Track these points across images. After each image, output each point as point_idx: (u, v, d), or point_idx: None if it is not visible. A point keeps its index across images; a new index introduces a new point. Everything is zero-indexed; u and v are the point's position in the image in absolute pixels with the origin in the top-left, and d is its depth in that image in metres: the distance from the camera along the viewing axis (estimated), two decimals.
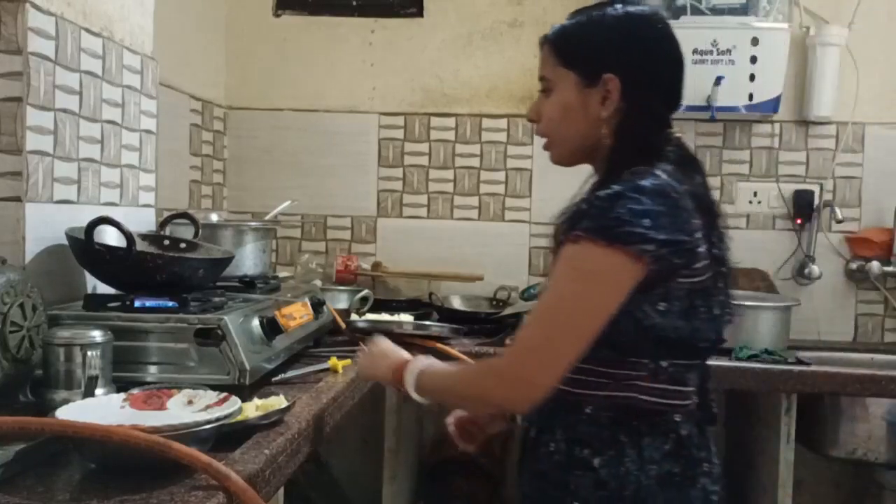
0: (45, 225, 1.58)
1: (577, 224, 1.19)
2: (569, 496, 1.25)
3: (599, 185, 1.29)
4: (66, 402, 1.20)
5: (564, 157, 1.39)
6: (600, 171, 1.35)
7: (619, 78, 1.28)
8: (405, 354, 1.42)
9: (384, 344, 1.49)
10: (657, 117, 1.32)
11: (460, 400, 1.38)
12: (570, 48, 1.34)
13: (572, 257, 1.19)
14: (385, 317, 2.36)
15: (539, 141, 1.43)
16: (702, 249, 1.22)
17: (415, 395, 1.34)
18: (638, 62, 1.30)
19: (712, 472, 1.30)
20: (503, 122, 2.89)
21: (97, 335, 1.33)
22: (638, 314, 1.20)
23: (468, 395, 1.30)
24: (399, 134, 2.95)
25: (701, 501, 1.27)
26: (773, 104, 2.70)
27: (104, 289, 1.67)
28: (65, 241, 1.60)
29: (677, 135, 1.34)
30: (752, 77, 2.65)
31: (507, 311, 2.57)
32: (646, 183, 1.20)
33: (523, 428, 1.39)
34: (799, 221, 2.86)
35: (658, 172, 1.24)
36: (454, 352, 2.08)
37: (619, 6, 1.34)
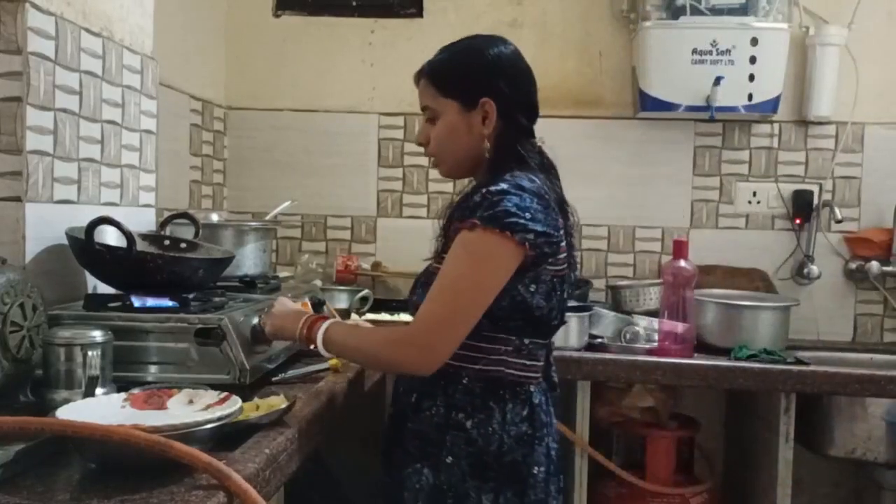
0: (45, 225, 1.58)
1: (472, 214, 1.41)
2: (444, 451, 1.48)
3: (481, 186, 1.48)
4: (66, 402, 1.20)
5: (453, 171, 1.62)
6: (480, 177, 1.57)
7: (492, 100, 1.51)
8: (306, 314, 1.57)
9: (288, 303, 1.66)
10: (523, 128, 1.57)
11: (368, 359, 1.56)
12: (447, 81, 1.54)
13: (470, 242, 1.41)
14: (385, 317, 2.36)
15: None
16: (563, 244, 1.49)
17: (322, 349, 1.50)
18: (504, 83, 1.53)
19: (552, 432, 1.58)
20: None
21: (97, 335, 1.33)
22: (513, 292, 1.44)
23: (378, 357, 1.49)
24: (399, 134, 2.95)
25: (544, 456, 1.53)
26: (773, 104, 2.70)
27: (104, 289, 1.67)
28: (65, 241, 1.60)
29: (539, 144, 1.59)
30: (751, 77, 2.65)
31: None
32: (525, 184, 1.45)
33: (400, 392, 1.59)
34: (798, 221, 2.86)
35: (532, 177, 1.49)
36: None
37: (477, 38, 1.58)
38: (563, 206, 1.56)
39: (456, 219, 1.46)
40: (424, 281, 1.53)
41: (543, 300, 1.47)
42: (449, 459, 1.48)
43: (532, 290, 1.45)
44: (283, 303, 1.66)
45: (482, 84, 1.53)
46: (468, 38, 1.60)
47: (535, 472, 1.51)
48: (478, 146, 1.54)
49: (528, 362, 1.52)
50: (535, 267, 1.44)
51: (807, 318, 2.81)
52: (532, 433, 1.51)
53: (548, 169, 1.57)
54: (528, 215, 1.40)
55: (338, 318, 1.58)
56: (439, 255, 1.52)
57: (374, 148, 2.97)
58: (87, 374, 1.29)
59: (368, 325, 1.75)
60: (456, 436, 1.48)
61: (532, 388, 1.53)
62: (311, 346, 1.53)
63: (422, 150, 1.63)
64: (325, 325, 1.50)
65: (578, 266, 1.62)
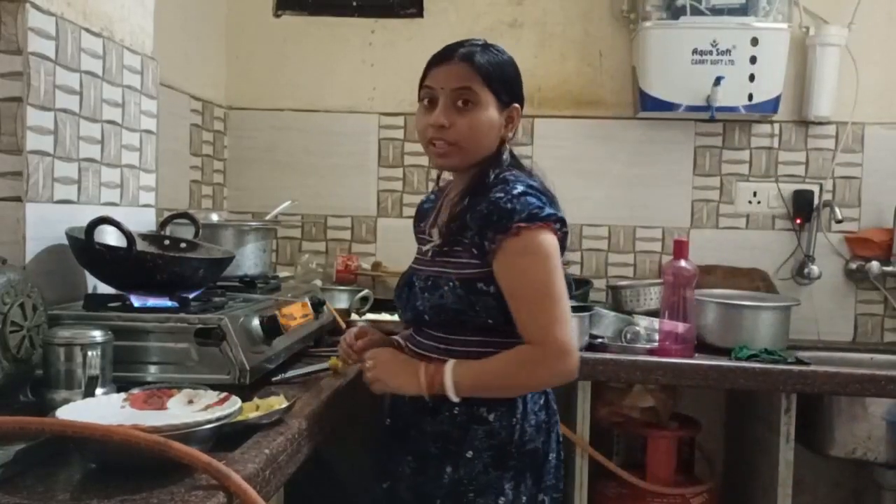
0: (45, 225, 1.58)
1: (509, 221, 1.44)
2: (464, 446, 1.51)
3: (480, 187, 1.51)
4: (66, 402, 1.20)
5: (464, 164, 1.57)
6: (468, 177, 1.57)
7: (521, 106, 1.58)
8: (418, 363, 1.51)
9: (390, 353, 1.59)
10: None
11: (511, 389, 1.52)
12: (493, 74, 1.54)
13: (526, 246, 1.44)
14: (385, 317, 2.36)
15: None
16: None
17: (452, 396, 1.47)
18: (522, 95, 1.60)
19: (558, 419, 1.64)
20: None
21: (97, 335, 1.33)
22: None
23: (520, 382, 1.50)
24: (399, 134, 2.95)
25: (556, 442, 1.60)
26: (773, 104, 2.70)
27: (104, 289, 1.67)
28: (65, 241, 1.60)
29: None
30: (751, 77, 2.65)
31: None
32: (535, 183, 1.52)
33: (405, 400, 1.56)
34: (798, 221, 2.86)
35: (527, 176, 1.54)
36: None
37: (498, 46, 1.59)
38: None
39: (489, 230, 1.46)
40: (431, 286, 1.52)
41: None
42: (469, 454, 1.51)
43: None
44: (384, 353, 1.58)
45: (515, 89, 1.58)
46: (489, 44, 1.58)
47: (551, 458, 1.57)
48: (495, 147, 1.56)
49: None
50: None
51: (807, 318, 2.81)
52: (548, 420, 1.58)
53: (524, 167, 1.62)
54: (549, 209, 1.47)
55: (450, 362, 1.49)
56: (442, 258, 1.54)
57: (374, 148, 2.97)
58: (87, 374, 1.29)
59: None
60: (477, 430, 1.51)
61: None
62: (433, 394, 1.49)
63: (422, 149, 1.59)
64: (448, 369, 1.47)
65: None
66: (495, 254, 1.45)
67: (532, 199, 1.46)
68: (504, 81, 1.55)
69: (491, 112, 1.53)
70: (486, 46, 1.57)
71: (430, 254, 1.59)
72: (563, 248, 1.50)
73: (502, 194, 1.46)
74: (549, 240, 1.46)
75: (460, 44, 1.56)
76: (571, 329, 1.47)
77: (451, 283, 1.51)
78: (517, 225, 1.43)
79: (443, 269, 1.53)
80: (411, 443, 1.57)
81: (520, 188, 1.47)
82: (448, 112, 1.52)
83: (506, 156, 1.57)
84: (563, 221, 1.49)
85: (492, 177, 1.52)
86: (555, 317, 1.44)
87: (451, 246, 1.54)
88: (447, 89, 1.52)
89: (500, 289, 1.47)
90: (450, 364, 1.48)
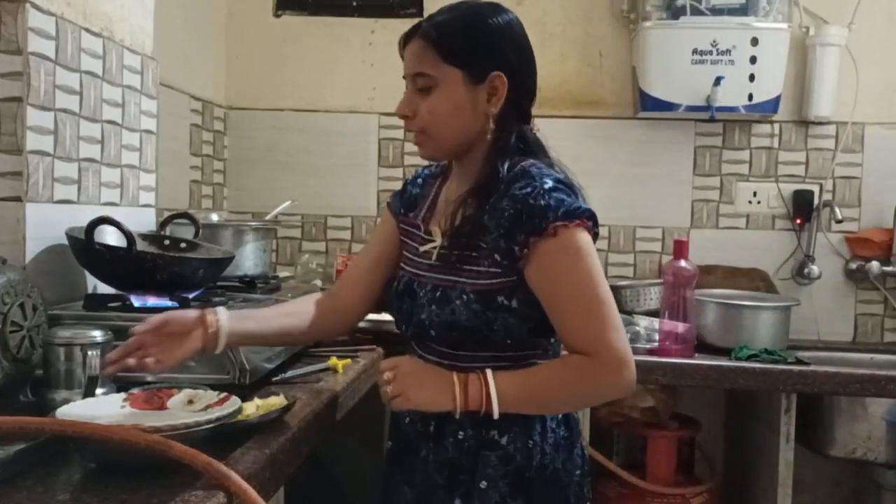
0: (45, 225, 1.58)
1: (543, 220, 1.26)
2: (476, 476, 1.33)
3: (492, 183, 1.33)
4: (66, 401, 1.20)
5: (441, 152, 1.42)
6: (472, 164, 1.39)
7: (505, 75, 1.34)
8: (448, 373, 1.31)
9: (412, 362, 1.37)
10: (524, 112, 1.40)
11: (560, 405, 1.36)
12: (453, 45, 1.34)
13: (565, 247, 1.27)
14: (386, 317, 2.36)
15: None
16: None
17: (496, 409, 1.27)
18: (516, 60, 1.36)
19: (580, 431, 1.46)
20: None
21: (97, 335, 1.33)
22: None
23: (571, 397, 1.34)
24: (399, 134, 2.95)
25: (580, 458, 1.42)
26: (773, 104, 2.70)
27: (104, 289, 1.67)
28: (65, 241, 1.60)
29: (535, 129, 1.42)
30: (751, 77, 2.65)
31: None
32: (561, 176, 1.34)
33: (405, 423, 1.43)
34: (798, 221, 2.86)
35: (550, 167, 1.36)
36: None
37: (485, 4, 1.38)
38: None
39: (519, 232, 1.28)
40: (440, 298, 1.34)
41: None
42: (483, 484, 1.33)
43: None
44: (412, 364, 1.35)
45: (494, 55, 1.34)
46: (476, 2, 1.39)
47: (575, 477, 1.40)
48: (479, 127, 1.36)
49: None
50: None
51: (807, 318, 2.81)
52: (569, 435, 1.40)
53: (547, 154, 1.41)
54: (578, 205, 1.30)
55: (488, 374, 1.28)
56: (454, 264, 1.34)
57: (374, 148, 2.97)
58: (87, 374, 1.29)
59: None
60: (488, 456, 1.34)
61: None
62: (473, 409, 1.28)
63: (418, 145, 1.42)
64: (490, 381, 1.27)
65: None
66: (528, 259, 1.28)
67: (563, 195, 1.29)
68: (471, 49, 1.33)
69: (454, 90, 1.34)
70: (455, 8, 1.37)
71: (433, 257, 1.39)
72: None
73: (530, 189, 1.28)
74: (587, 238, 1.30)
75: (430, 16, 1.38)
76: (625, 336, 1.30)
77: (465, 297, 1.31)
78: (554, 225, 1.26)
79: (454, 277, 1.33)
80: (409, 472, 1.41)
81: (549, 182, 1.29)
82: (411, 99, 1.37)
83: (513, 139, 1.36)
84: (595, 218, 1.32)
85: (504, 168, 1.33)
86: (608, 323, 1.27)
87: (463, 250, 1.34)
88: (409, 76, 1.38)
89: (525, 302, 1.30)
90: (490, 373, 1.28)
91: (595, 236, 1.33)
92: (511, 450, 1.34)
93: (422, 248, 1.43)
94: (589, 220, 1.30)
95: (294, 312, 1.50)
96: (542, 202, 1.27)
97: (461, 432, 1.35)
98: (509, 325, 1.31)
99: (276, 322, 1.47)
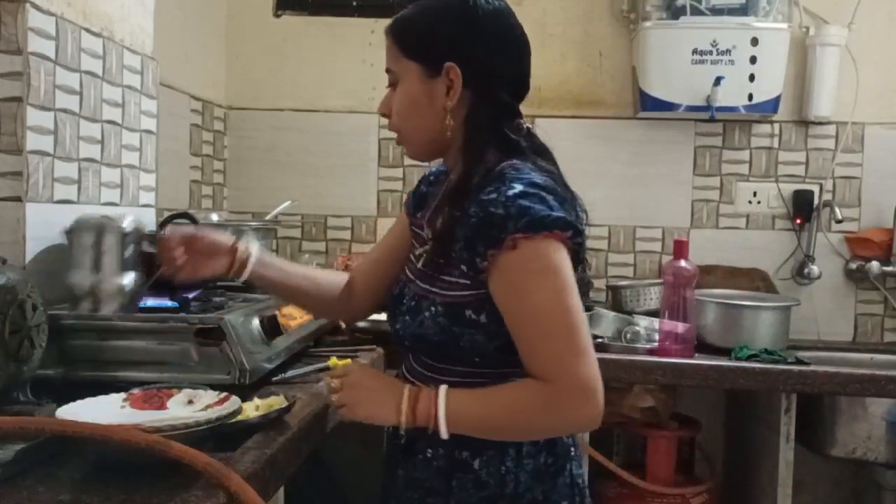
0: (45, 225, 1.58)
1: (502, 231, 1.15)
2: (451, 499, 1.25)
3: (463, 186, 1.25)
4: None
5: (418, 151, 1.35)
6: (455, 164, 1.32)
7: (459, 66, 1.25)
8: (401, 384, 1.25)
9: (367, 373, 1.32)
10: (504, 106, 1.29)
11: (515, 434, 1.23)
12: (410, 39, 1.30)
13: (525, 262, 1.15)
14: (384, 317, 2.36)
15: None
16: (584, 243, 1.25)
17: (443, 430, 1.18)
18: (477, 48, 1.26)
19: (577, 456, 1.33)
20: None
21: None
22: None
23: (532, 429, 1.22)
24: None
25: (568, 487, 1.29)
26: (773, 104, 2.70)
27: None
28: (65, 241, 1.60)
29: (527, 125, 1.32)
30: (751, 77, 2.65)
31: None
32: (538, 179, 1.21)
33: (389, 433, 1.37)
34: (798, 221, 2.86)
35: (535, 166, 1.25)
36: None
37: None
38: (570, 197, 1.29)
39: (479, 243, 1.17)
40: (414, 308, 1.27)
41: None
42: None
43: None
44: (361, 374, 1.29)
45: (450, 45, 1.26)
46: None
47: None
48: (441, 122, 1.28)
49: None
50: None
51: (807, 318, 2.81)
52: (553, 462, 1.27)
53: (541, 152, 1.31)
54: (556, 213, 1.18)
55: (442, 390, 1.20)
56: (428, 273, 1.27)
57: (374, 148, 2.97)
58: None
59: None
60: (462, 479, 1.24)
61: None
62: (421, 426, 1.21)
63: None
64: (441, 396, 1.18)
65: (590, 266, 1.41)
66: (489, 273, 1.17)
67: (531, 202, 1.15)
68: (427, 39, 1.27)
69: (411, 84, 1.29)
70: (421, 2, 1.31)
71: (421, 262, 1.32)
72: (576, 263, 1.20)
73: (494, 195, 1.17)
74: (556, 252, 1.16)
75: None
76: (593, 363, 1.15)
77: (433, 309, 1.23)
78: (513, 236, 1.14)
79: (429, 286, 1.25)
80: (392, 485, 1.35)
81: (517, 187, 1.17)
82: (387, 98, 1.35)
83: (485, 136, 1.26)
84: (575, 228, 1.18)
85: (478, 169, 1.24)
86: (572, 347, 1.14)
87: (439, 258, 1.25)
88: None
89: (493, 318, 1.20)
90: (443, 390, 1.19)
91: (578, 247, 1.21)
92: (483, 475, 1.24)
93: (416, 252, 1.37)
94: (564, 230, 1.17)
95: (317, 280, 1.52)
96: (502, 211, 1.15)
97: (430, 450, 1.26)
98: (476, 342, 1.22)
99: (297, 280, 1.49)
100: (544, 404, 1.16)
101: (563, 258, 1.17)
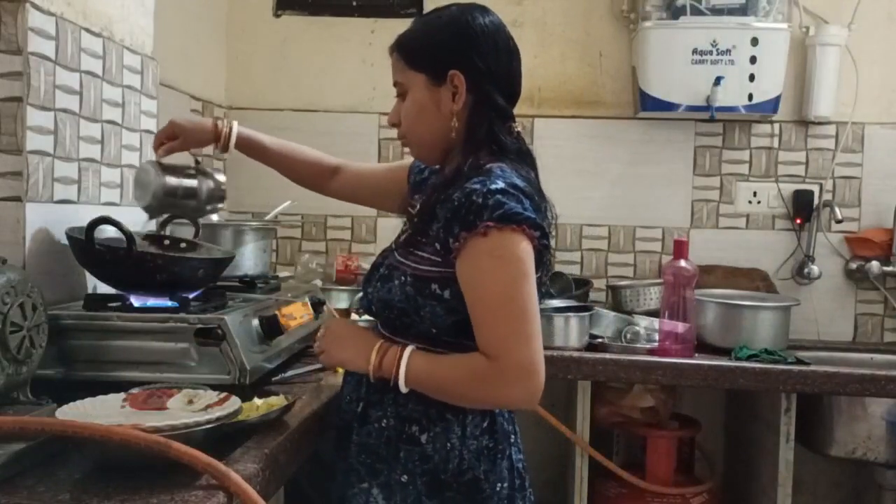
0: (45, 225, 1.58)
1: (478, 218, 1.26)
2: (398, 468, 1.35)
3: (453, 177, 1.36)
4: None
5: (425, 154, 1.49)
6: (452, 160, 1.42)
7: (462, 73, 1.38)
8: (374, 339, 1.38)
9: (345, 324, 1.52)
10: (499, 109, 1.41)
11: (456, 399, 1.35)
12: (414, 51, 1.42)
13: (494, 248, 1.26)
14: None
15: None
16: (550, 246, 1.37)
17: (402, 383, 1.32)
18: (475, 56, 1.38)
19: (517, 442, 1.45)
20: None
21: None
22: None
23: (465, 395, 1.33)
24: None
25: (508, 471, 1.39)
26: (773, 104, 2.70)
27: (104, 289, 1.67)
28: (65, 241, 1.60)
29: (518, 129, 1.43)
30: (751, 77, 2.66)
31: None
32: (519, 182, 1.32)
33: (346, 401, 1.45)
34: (798, 221, 2.86)
35: (522, 173, 1.35)
36: None
37: (453, 7, 1.44)
38: (543, 202, 1.40)
39: (455, 225, 1.28)
40: (386, 275, 1.38)
41: None
42: (404, 478, 1.34)
43: None
44: (341, 325, 1.49)
45: (452, 55, 1.38)
46: (445, 6, 1.45)
47: (498, 488, 1.37)
48: (447, 126, 1.40)
49: None
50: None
51: (807, 318, 2.81)
52: (494, 446, 1.38)
53: (525, 157, 1.42)
54: (529, 213, 1.29)
55: (409, 348, 1.34)
56: (406, 247, 1.39)
57: (375, 148, 2.97)
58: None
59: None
60: (410, 451, 1.35)
61: None
62: (385, 377, 1.34)
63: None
64: (407, 353, 1.33)
65: (551, 267, 1.47)
66: (459, 253, 1.28)
67: (508, 199, 1.27)
68: (431, 52, 1.40)
69: (419, 93, 1.41)
70: (419, 17, 1.48)
71: (402, 237, 1.44)
72: (539, 262, 1.32)
73: (478, 186, 1.28)
74: (522, 245, 1.27)
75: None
76: (537, 349, 1.26)
77: (403, 278, 1.35)
78: (486, 224, 1.25)
79: (403, 259, 1.37)
80: (344, 453, 1.43)
81: (500, 184, 1.28)
82: (396, 108, 1.47)
83: (482, 135, 1.38)
84: (543, 231, 1.30)
85: (467, 165, 1.36)
86: (516, 330, 1.25)
87: (416, 235, 1.38)
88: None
89: (455, 295, 1.31)
90: (409, 348, 1.33)
91: (543, 248, 1.31)
92: (429, 449, 1.34)
93: (403, 227, 1.50)
94: (533, 228, 1.28)
95: (301, 148, 1.86)
96: (481, 200, 1.26)
97: (385, 420, 1.37)
98: (436, 313, 1.33)
99: (282, 144, 1.82)
100: (483, 377, 1.28)
101: (526, 252, 1.28)
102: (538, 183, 1.41)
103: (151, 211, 1.72)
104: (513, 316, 1.26)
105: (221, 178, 1.80)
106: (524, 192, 1.31)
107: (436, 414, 1.35)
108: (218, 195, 1.78)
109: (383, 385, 1.35)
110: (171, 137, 1.69)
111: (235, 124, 1.73)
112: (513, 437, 1.44)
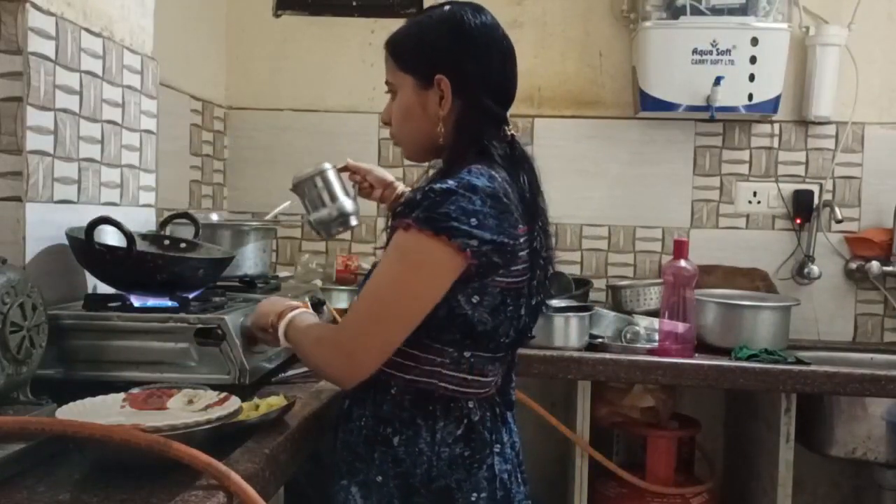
0: (45, 225, 1.58)
1: (410, 212, 1.25)
2: (373, 469, 1.34)
3: (437, 178, 1.35)
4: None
5: (413, 154, 1.49)
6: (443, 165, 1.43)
7: (448, 77, 1.36)
8: (294, 304, 1.44)
9: (275, 297, 1.56)
10: (489, 113, 1.38)
11: (306, 360, 1.41)
12: (404, 53, 1.42)
13: (402, 245, 1.26)
14: None
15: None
16: (523, 254, 1.31)
17: (282, 340, 1.40)
18: (463, 59, 1.36)
19: (504, 452, 1.38)
20: None
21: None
22: (452, 303, 1.28)
23: (311, 360, 1.38)
24: None
25: (488, 481, 1.34)
26: (773, 104, 2.70)
27: (104, 289, 1.67)
28: (65, 241, 1.60)
29: (511, 132, 1.41)
30: (751, 77, 2.66)
31: None
32: (479, 183, 1.27)
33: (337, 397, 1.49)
34: (798, 221, 2.86)
35: (494, 174, 1.31)
36: None
37: (446, 7, 1.41)
38: (532, 208, 1.35)
39: (398, 214, 1.29)
40: (368, 275, 1.39)
41: (488, 315, 1.30)
42: (379, 479, 1.33)
43: (475, 302, 1.29)
44: (274, 299, 1.53)
45: (441, 58, 1.36)
46: (439, 4, 1.42)
47: (473, 498, 1.33)
48: (436, 130, 1.38)
49: (469, 377, 1.34)
50: (480, 278, 1.27)
51: (807, 318, 2.81)
52: (470, 455, 1.33)
53: (518, 162, 1.37)
54: (473, 221, 1.23)
55: (305, 312, 1.43)
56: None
57: (375, 148, 2.97)
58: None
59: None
60: (384, 453, 1.33)
61: (471, 405, 1.35)
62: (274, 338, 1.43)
63: None
64: (295, 311, 1.40)
65: (548, 271, 1.43)
66: (388, 240, 1.30)
67: (452, 204, 1.23)
68: (419, 54, 1.38)
69: (406, 95, 1.41)
70: (414, 17, 1.45)
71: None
72: (486, 273, 1.26)
73: (437, 184, 1.26)
74: (434, 253, 1.23)
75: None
76: (374, 338, 1.26)
77: (371, 272, 1.36)
78: (408, 221, 1.24)
79: (384, 249, 1.36)
80: (331, 445, 1.44)
81: (449, 184, 1.25)
82: (388, 107, 1.48)
83: (467, 140, 1.36)
84: (490, 242, 1.24)
85: (452, 169, 1.34)
86: (367, 316, 1.26)
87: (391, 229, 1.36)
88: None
89: None
90: (298, 310, 1.41)
91: (483, 256, 1.25)
92: (401, 453, 1.33)
93: None
94: (455, 237, 1.22)
95: None
96: (420, 196, 1.26)
97: (364, 419, 1.37)
98: None
99: None
100: (319, 342, 1.33)
101: (438, 261, 1.24)
102: (528, 187, 1.36)
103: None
104: (376, 301, 1.28)
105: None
106: (483, 192, 1.25)
107: (407, 417, 1.34)
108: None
109: (367, 384, 1.32)
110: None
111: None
112: (497, 446, 1.37)
